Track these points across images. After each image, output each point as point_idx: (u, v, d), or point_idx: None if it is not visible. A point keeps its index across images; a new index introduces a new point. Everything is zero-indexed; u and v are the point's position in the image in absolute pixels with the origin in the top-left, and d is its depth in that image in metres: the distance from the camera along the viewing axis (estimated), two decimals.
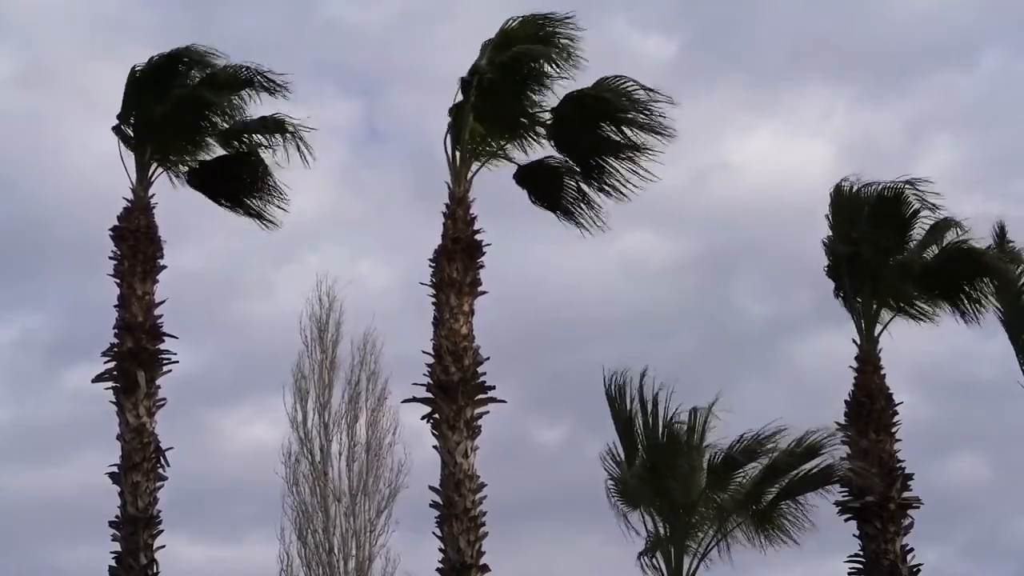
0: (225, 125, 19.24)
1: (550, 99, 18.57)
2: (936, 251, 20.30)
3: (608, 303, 38.59)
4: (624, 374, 17.98)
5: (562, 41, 18.23)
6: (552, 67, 18.31)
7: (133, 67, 18.70)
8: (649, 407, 17.81)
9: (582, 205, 19.34)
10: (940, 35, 44.32)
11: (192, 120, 19.15)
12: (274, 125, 19.03)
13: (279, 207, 19.91)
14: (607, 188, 19.05)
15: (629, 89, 18.14)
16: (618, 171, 18.85)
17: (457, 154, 18.28)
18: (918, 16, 44.04)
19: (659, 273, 41.25)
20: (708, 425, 17.58)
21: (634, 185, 18.84)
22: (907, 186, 20.13)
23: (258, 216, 20.01)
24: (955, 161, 40.85)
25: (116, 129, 18.89)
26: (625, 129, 18.49)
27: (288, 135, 18.97)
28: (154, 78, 18.69)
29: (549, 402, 37.68)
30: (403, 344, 30.54)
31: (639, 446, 17.74)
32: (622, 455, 17.55)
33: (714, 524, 17.61)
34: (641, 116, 18.25)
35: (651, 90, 18.02)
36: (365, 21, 43.75)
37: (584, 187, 19.22)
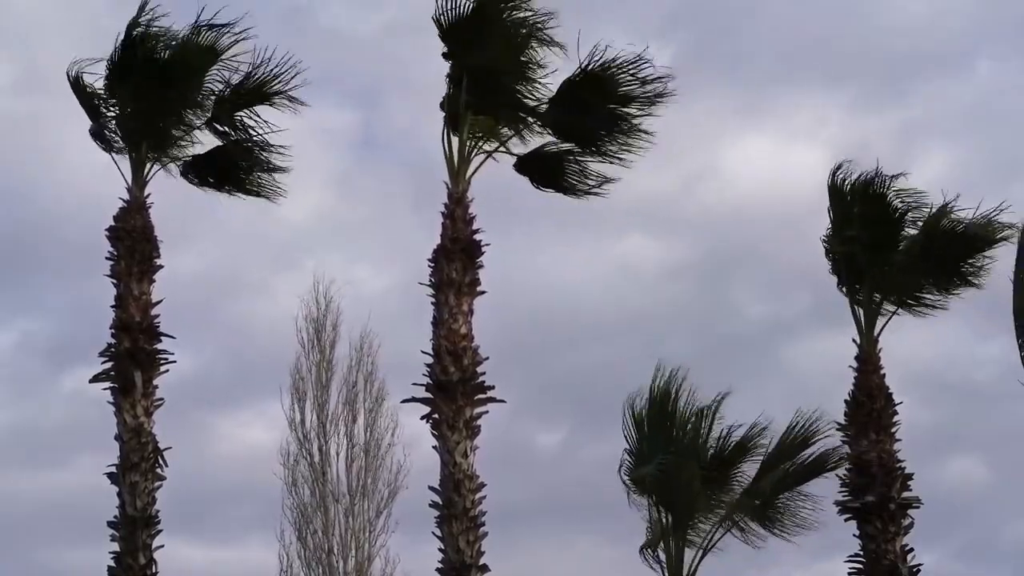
0: (200, 96, 18.93)
1: (546, 85, 18.60)
2: (925, 239, 20.04)
3: (606, 305, 38.69)
4: (677, 374, 18.08)
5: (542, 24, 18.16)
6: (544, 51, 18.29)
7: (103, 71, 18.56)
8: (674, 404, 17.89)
9: (585, 178, 19.25)
10: (935, 40, 44.37)
11: (171, 101, 18.81)
12: (256, 93, 18.88)
13: (280, 170, 19.54)
14: (609, 158, 18.99)
15: (622, 65, 18.13)
16: (620, 141, 18.83)
17: (455, 153, 18.24)
18: (913, 21, 44.12)
19: (657, 275, 41.38)
20: (713, 421, 17.64)
21: (637, 149, 18.83)
22: (892, 180, 19.92)
23: (261, 192, 19.66)
24: (951, 166, 40.86)
25: (95, 134, 18.79)
26: (627, 106, 18.49)
27: (272, 102, 18.87)
28: (122, 72, 18.44)
29: (548, 405, 37.78)
30: (401, 346, 30.60)
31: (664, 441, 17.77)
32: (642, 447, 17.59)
33: (715, 518, 17.66)
34: (640, 88, 18.28)
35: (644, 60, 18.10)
36: (363, 28, 43.78)
37: (585, 161, 19.15)
